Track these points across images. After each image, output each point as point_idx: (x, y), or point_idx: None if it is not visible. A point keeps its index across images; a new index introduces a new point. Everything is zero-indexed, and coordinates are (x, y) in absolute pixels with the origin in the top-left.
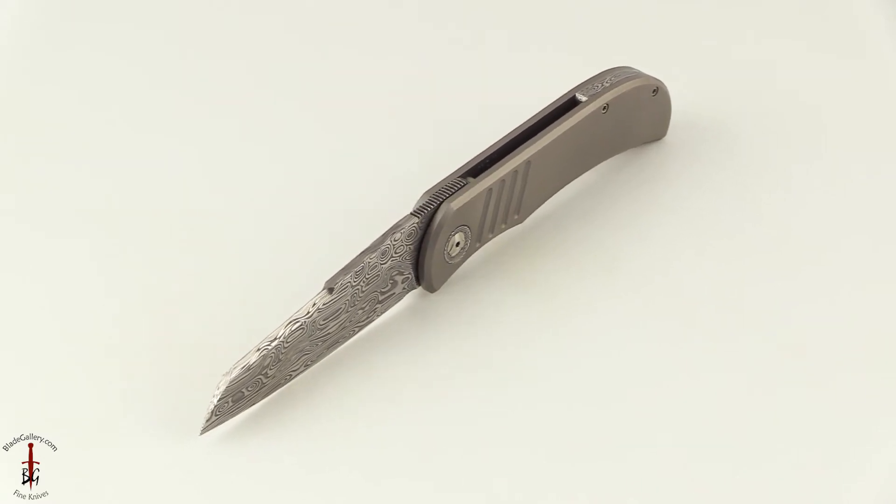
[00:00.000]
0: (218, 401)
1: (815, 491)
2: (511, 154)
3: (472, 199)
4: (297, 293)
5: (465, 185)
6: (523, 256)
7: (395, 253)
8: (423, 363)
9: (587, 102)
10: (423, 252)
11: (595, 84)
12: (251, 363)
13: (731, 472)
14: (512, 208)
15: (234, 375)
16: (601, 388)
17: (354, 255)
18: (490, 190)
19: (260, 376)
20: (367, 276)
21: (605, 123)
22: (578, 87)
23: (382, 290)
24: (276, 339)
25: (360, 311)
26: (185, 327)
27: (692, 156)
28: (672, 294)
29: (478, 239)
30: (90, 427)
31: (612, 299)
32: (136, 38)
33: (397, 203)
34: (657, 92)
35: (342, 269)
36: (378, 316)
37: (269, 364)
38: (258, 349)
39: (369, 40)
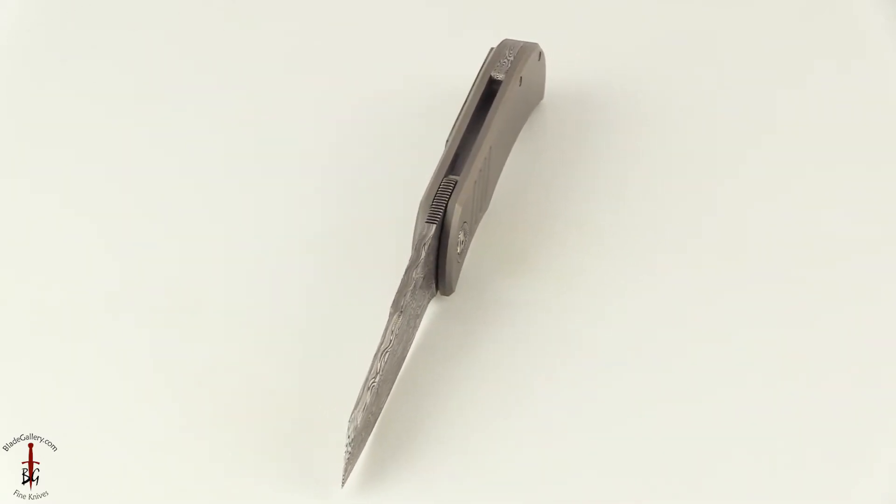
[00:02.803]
0: (352, 449)
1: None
2: (475, 144)
3: (468, 195)
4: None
5: (456, 182)
6: (504, 240)
7: (426, 264)
8: (482, 365)
9: (507, 79)
10: (442, 256)
11: (500, 60)
12: (367, 403)
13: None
14: (482, 196)
15: (359, 421)
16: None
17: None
18: (475, 182)
19: (369, 415)
20: (415, 293)
21: (520, 96)
22: (489, 67)
23: (419, 303)
24: (378, 373)
25: (410, 330)
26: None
27: (573, 113)
28: (655, 242)
29: (471, 232)
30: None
31: (605, 261)
32: (134, 40)
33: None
34: (541, 56)
35: (399, 290)
36: (416, 330)
37: (372, 401)
38: (367, 388)
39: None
